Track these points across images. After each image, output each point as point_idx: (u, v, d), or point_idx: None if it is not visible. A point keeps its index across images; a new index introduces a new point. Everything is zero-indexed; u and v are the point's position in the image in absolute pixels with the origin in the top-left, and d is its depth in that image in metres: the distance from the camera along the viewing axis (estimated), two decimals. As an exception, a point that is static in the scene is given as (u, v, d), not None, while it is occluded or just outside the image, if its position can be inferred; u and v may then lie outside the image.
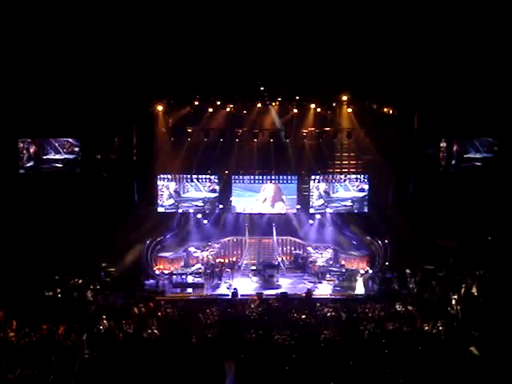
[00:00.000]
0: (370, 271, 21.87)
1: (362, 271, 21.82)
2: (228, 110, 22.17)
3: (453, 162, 22.83)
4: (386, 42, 17.95)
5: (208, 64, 18.84)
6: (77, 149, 21.81)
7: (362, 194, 23.10)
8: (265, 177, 23.21)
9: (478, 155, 22.95)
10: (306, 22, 17.36)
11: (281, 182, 23.16)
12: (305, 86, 21.06)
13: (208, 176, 22.89)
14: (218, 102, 21.79)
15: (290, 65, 18.93)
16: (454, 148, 22.78)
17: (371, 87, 20.81)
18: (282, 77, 19.91)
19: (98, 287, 18.71)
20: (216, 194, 22.98)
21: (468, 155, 22.97)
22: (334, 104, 22.20)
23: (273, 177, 23.21)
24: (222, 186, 23.03)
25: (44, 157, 21.73)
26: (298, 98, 21.94)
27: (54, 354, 12.78)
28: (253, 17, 17.23)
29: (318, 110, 22.28)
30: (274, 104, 22.30)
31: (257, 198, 23.23)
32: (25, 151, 21.47)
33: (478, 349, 14.00)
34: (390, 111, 22.21)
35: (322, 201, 23.23)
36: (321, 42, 18.33)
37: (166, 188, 22.83)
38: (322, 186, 23.15)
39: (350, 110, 22.32)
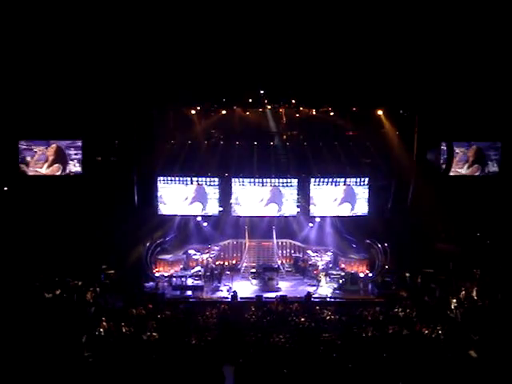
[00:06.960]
0: (370, 274, 21.91)
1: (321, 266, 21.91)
2: (226, 112, 22.23)
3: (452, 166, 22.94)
4: (387, 47, 17.99)
5: (207, 69, 18.93)
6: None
7: (361, 197, 23.07)
8: (265, 179, 23.07)
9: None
10: (304, 28, 17.44)
11: (281, 184, 23.06)
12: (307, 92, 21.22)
13: (208, 178, 22.86)
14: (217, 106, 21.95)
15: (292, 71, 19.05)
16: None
17: (371, 91, 20.88)
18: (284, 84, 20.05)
19: (97, 289, 18.71)
20: (216, 197, 22.94)
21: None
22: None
23: (273, 180, 23.11)
24: (221, 189, 22.98)
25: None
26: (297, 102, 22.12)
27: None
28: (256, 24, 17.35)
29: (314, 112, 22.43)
30: (273, 107, 22.40)
31: (254, 196, 23.14)
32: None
33: (477, 352, 14.01)
34: (390, 115, 22.29)
35: (321, 204, 23.21)
36: (318, 43, 18.42)
37: (165, 190, 22.84)
38: (322, 188, 23.13)
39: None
